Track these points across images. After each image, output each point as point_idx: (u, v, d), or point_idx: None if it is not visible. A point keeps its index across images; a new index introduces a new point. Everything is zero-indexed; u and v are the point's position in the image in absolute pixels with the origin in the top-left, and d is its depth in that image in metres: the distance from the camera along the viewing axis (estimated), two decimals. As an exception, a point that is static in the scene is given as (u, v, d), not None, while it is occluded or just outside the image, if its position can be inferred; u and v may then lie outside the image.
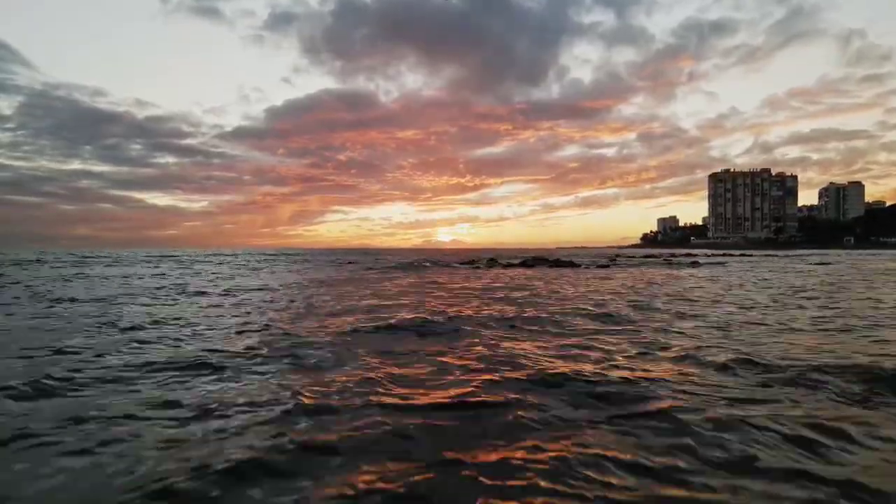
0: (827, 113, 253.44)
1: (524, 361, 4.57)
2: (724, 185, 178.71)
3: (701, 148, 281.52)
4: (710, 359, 4.64)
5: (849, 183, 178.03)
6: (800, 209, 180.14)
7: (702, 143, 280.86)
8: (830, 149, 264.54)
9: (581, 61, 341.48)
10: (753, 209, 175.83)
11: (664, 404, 3.32)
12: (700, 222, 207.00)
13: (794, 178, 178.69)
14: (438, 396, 3.54)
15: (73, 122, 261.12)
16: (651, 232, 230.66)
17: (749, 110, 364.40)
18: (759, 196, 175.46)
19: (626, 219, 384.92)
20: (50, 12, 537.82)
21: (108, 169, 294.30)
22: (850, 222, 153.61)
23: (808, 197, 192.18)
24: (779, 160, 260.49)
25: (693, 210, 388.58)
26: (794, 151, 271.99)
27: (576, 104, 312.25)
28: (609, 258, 41.83)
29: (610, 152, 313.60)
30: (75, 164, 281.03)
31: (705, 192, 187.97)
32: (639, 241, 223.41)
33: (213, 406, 3.34)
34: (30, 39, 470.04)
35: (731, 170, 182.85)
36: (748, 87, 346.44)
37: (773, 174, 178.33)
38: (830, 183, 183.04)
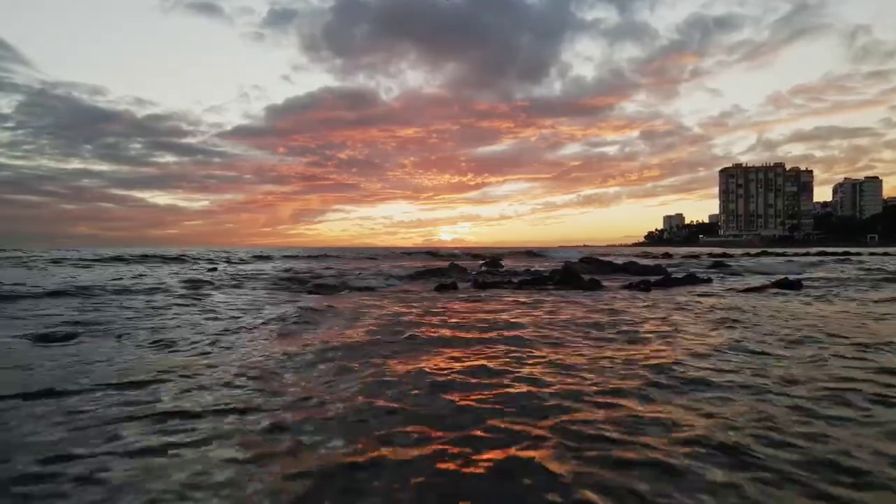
0: (831, 110, 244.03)
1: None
2: (736, 181, 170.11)
3: (704, 146, 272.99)
4: None
5: (865, 178, 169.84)
6: (812, 205, 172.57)
7: (705, 141, 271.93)
8: (834, 146, 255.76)
9: (583, 58, 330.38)
10: (767, 206, 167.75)
11: None
12: (705, 220, 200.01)
13: (810, 172, 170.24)
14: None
15: (72, 120, 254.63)
16: (656, 230, 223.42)
17: (752, 108, 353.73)
18: (773, 192, 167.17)
19: (629, 217, 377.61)
20: (47, 10, 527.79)
21: (109, 168, 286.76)
22: (871, 220, 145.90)
23: (818, 193, 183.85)
24: (782, 158, 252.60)
25: (696, 208, 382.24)
26: (797, 149, 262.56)
27: (578, 101, 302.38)
28: (713, 258, 28.24)
29: (612, 150, 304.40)
30: (75, 163, 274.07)
31: (708, 191, 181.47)
32: (642, 240, 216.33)
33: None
34: (28, 37, 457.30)
35: (743, 164, 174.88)
36: (751, 85, 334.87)
37: (787, 169, 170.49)
38: (846, 178, 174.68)
